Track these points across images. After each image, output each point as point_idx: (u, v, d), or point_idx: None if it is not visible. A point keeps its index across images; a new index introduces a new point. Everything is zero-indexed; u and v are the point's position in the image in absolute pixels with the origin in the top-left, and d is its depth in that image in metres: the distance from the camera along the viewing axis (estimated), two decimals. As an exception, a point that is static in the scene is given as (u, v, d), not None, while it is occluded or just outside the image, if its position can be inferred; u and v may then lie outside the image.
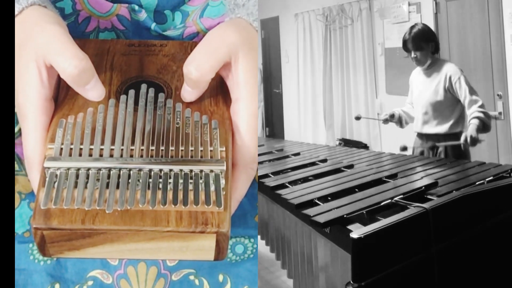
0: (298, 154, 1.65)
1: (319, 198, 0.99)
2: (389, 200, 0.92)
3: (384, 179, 1.12)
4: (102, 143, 0.63)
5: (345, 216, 0.86)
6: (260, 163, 1.48)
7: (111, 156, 0.62)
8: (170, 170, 0.62)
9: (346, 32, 2.93)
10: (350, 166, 1.34)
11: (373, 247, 0.71)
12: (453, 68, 1.54)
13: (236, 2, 0.74)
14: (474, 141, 1.39)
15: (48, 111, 0.65)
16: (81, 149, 0.63)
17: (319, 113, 3.29)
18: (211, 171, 0.62)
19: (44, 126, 0.64)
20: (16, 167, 0.73)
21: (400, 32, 2.45)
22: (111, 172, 0.61)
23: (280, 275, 1.68)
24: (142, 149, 0.63)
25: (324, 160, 1.47)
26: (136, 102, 0.67)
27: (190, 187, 0.61)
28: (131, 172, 0.61)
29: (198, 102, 0.69)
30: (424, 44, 1.55)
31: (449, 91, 1.53)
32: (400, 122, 1.73)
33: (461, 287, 0.84)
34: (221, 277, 0.76)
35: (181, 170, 0.62)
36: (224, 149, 0.65)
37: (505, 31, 1.88)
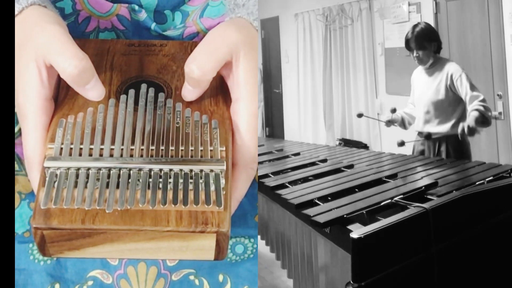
0: (298, 154, 1.65)
1: (319, 198, 0.99)
2: (389, 200, 0.92)
3: (384, 179, 1.13)
4: (102, 142, 0.63)
5: (345, 216, 0.86)
6: (260, 163, 1.48)
7: (111, 155, 0.62)
8: (170, 169, 0.62)
9: (346, 32, 2.93)
10: (350, 166, 1.34)
11: (373, 247, 0.71)
12: (454, 66, 1.54)
13: (236, 2, 0.74)
14: (472, 131, 1.38)
15: (48, 111, 0.65)
16: (81, 148, 0.63)
17: (319, 113, 3.28)
18: (211, 170, 0.62)
19: (44, 126, 0.64)
20: (16, 167, 0.73)
21: (400, 32, 2.46)
22: (111, 171, 0.61)
23: (280, 275, 1.68)
24: (142, 149, 0.63)
25: (324, 160, 1.47)
26: (136, 102, 0.67)
27: (190, 186, 0.61)
28: (131, 171, 0.61)
29: (198, 102, 0.69)
30: (426, 44, 1.55)
31: (451, 89, 1.53)
32: (403, 124, 1.73)
33: (461, 287, 0.84)
34: (221, 277, 0.76)
35: (181, 170, 0.62)
36: (224, 148, 0.65)
37: (505, 31, 1.88)
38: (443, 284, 0.79)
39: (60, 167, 0.61)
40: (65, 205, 0.59)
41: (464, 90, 1.48)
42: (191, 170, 0.62)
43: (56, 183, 0.60)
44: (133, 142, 0.63)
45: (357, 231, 0.71)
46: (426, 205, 0.79)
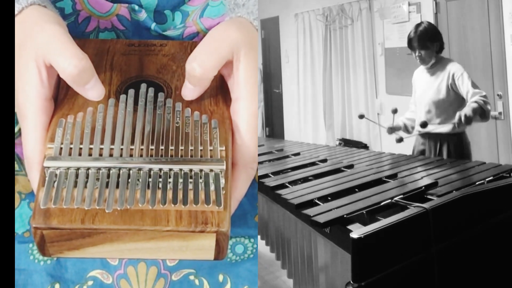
0: (298, 154, 1.65)
1: (319, 198, 0.99)
2: (389, 200, 0.92)
3: (384, 179, 1.12)
4: (102, 142, 0.63)
5: (345, 216, 0.86)
6: (260, 163, 1.48)
7: (111, 155, 0.62)
8: (170, 169, 0.62)
9: (346, 32, 2.93)
10: (350, 166, 1.34)
11: (373, 247, 0.71)
12: (457, 66, 1.54)
13: (236, 1, 0.74)
14: (469, 119, 1.38)
15: (47, 111, 0.65)
16: (80, 148, 0.63)
17: (319, 113, 3.28)
18: (211, 170, 0.62)
19: (44, 126, 0.64)
20: (16, 167, 0.73)
21: (400, 32, 2.46)
22: (111, 171, 0.61)
23: (280, 275, 1.68)
24: (141, 149, 0.63)
25: (324, 160, 1.47)
26: (135, 102, 0.67)
27: (190, 186, 0.61)
28: (131, 171, 0.61)
29: (198, 101, 0.69)
30: (429, 43, 1.55)
31: (452, 89, 1.53)
32: (406, 129, 1.72)
33: (461, 287, 0.84)
34: (221, 277, 0.76)
35: (180, 170, 0.62)
36: (224, 148, 0.65)
37: (505, 31, 1.88)
38: (443, 284, 0.79)
39: (59, 166, 0.61)
40: (64, 205, 0.59)
41: (465, 87, 1.48)
42: (190, 170, 0.62)
43: (55, 183, 0.60)
44: (132, 142, 0.63)
45: (357, 231, 0.71)
46: (426, 205, 0.79)
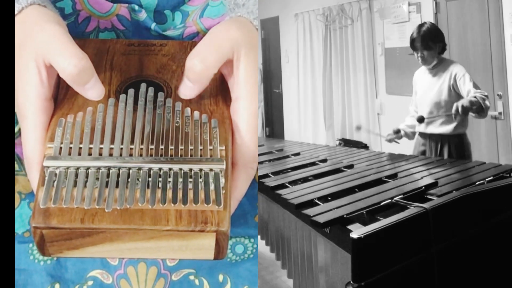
0: (298, 154, 1.65)
1: (319, 198, 0.99)
2: (389, 200, 0.92)
3: (384, 179, 1.12)
4: (102, 142, 0.63)
5: (345, 216, 0.86)
6: (260, 163, 1.48)
7: (111, 155, 0.62)
8: (170, 169, 0.62)
9: (346, 32, 2.93)
10: (350, 166, 1.34)
11: (373, 247, 0.71)
12: (459, 67, 1.55)
13: (236, 1, 0.74)
14: (466, 110, 1.39)
15: (47, 111, 0.65)
16: (80, 148, 0.63)
17: (319, 113, 3.28)
18: (211, 170, 0.62)
19: (43, 126, 0.64)
20: (16, 167, 0.73)
21: (400, 32, 2.45)
22: (111, 171, 0.61)
23: (280, 275, 1.68)
24: (141, 148, 0.63)
25: (324, 160, 1.47)
26: (135, 101, 0.67)
27: (190, 186, 0.61)
28: (131, 171, 0.61)
29: (197, 101, 0.69)
30: (432, 44, 1.55)
31: (454, 90, 1.53)
32: (407, 135, 1.72)
33: (461, 287, 0.84)
34: (221, 277, 0.76)
35: (180, 169, 0.62)
36: (223, 148, 0.65)
37: (505, 31, 1.88)
38: (443, 284, 0.79)
39: (59, 166, 0.61)
40: (64, 204, 0.59)
41: (467, 88, 1.48)
42: (190, 169, 0.62)
43: (55, 183, 0.60)
44: (132, 142, 0.63)
45: (357, 231, 0.71)
46: (426, 205, 0.79)
